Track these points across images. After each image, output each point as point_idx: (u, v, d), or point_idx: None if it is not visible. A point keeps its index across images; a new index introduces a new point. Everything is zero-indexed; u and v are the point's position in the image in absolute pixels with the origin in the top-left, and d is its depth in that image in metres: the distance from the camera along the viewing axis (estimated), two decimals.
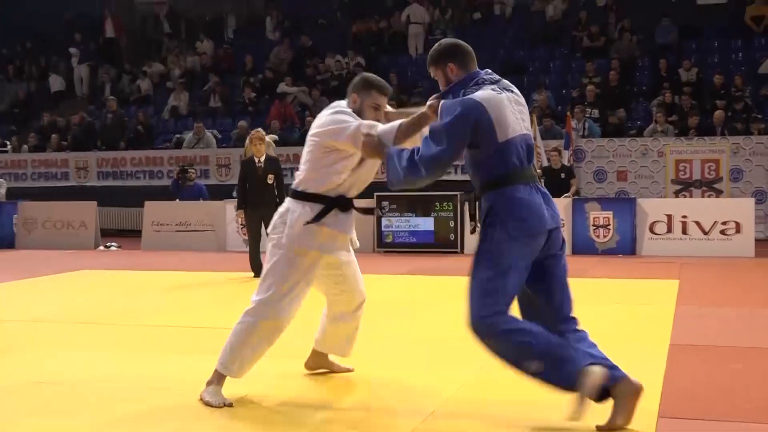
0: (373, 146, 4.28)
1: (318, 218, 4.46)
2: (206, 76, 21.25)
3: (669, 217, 12.67)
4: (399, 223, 13.50)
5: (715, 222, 12.46)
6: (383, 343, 6.18)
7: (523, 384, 4.11)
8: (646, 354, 5.65)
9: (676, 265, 11.08)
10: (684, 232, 12.58)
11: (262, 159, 10.26)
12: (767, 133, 15.12)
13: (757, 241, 12.61)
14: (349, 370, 5.18)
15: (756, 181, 14.78)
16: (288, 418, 4.33)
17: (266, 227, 10.97)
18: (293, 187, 4.61)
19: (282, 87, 19.75)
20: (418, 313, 7.61)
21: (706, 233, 12.49)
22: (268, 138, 10.45)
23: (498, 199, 3.99)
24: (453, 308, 7.82)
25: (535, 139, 14.94)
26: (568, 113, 15.69)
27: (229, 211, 13.65)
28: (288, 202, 4.57)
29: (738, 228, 12.36)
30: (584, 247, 12.72)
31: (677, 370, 5.21)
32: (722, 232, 12.42)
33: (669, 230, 12.63)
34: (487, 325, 3.95)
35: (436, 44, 4.31)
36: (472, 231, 4.20)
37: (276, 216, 4.62)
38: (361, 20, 21.81)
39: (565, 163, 14.69)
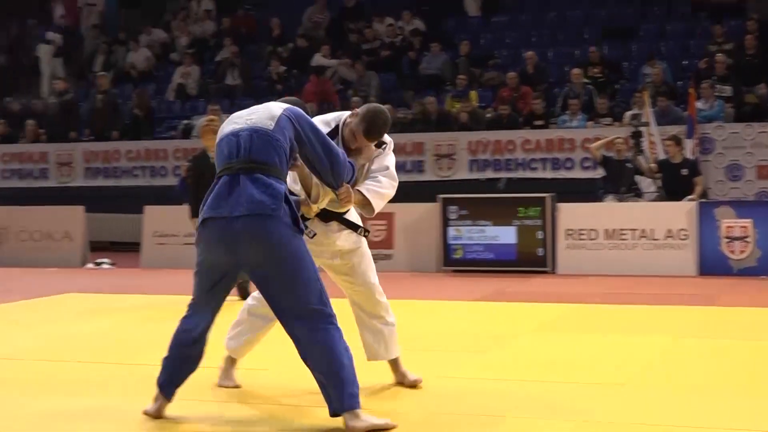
0: None
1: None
2: (221, 45, 21.41)
3: None
4: (471, 234, 13.46)
5: None
6: (447, 386, 6.17)
7: None
8: None
9: None
10: None
11: None
12: None
13: None
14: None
15: None
16: None
17: None
18: None
19: (318, 59, 19.81)
20: (496, 351, 7.57)
21: None
22: None
23: None
24: (541, 343, 7.81)
25: (647, 124, 15.10)
26: (691, 90, 15.56)
27: None
28: None
29: None
30: (714, 265, 12.61)
31: None
32: None
33: None
34: None
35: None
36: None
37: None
38: None
39: (688, 156, 14.56)
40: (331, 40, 20.53)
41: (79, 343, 8.25)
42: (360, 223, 6.02)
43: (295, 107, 5.45)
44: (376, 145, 5.86)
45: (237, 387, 6.24)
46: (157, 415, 5.45)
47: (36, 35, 23.55)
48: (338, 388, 5.09)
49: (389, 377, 6.28)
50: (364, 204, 5.77)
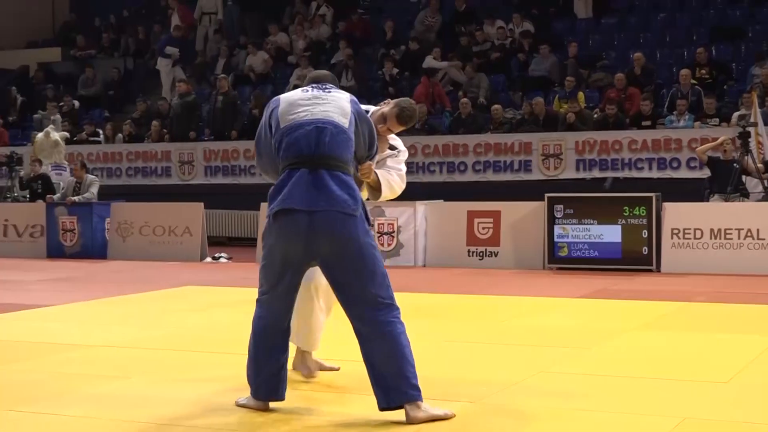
0: None
1: None
2: (336, 48, 21.64)
3: None
4: (576, 233, 13.40)
5: None
6: (548, 382, 6.22)
7: None
8: None
9: None
10: None
11: None
12: None
13: None
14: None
15: None
16: None
17: None
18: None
19: (429, 61, 19.90)
20: (599, 347, 7.56)
21: None
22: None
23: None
24: (644, 341, 7.77)
25: (756, 124, 14.87)
26: None
27: None
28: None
29: None
30: None
31: None
32: None
33: None
34: None
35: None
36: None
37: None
38: None
39: None
40: (442, 42, 20.62)
41: (192, 334, 8.49)
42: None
43: (357, 101, 5.62)
44: (389, 148, 6.15)
45: (313, 377, 6.34)
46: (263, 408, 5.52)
47: (159, 39, 24.07)
48: (401, 379, 5.13)
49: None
50: (375, 188, 5.97)
